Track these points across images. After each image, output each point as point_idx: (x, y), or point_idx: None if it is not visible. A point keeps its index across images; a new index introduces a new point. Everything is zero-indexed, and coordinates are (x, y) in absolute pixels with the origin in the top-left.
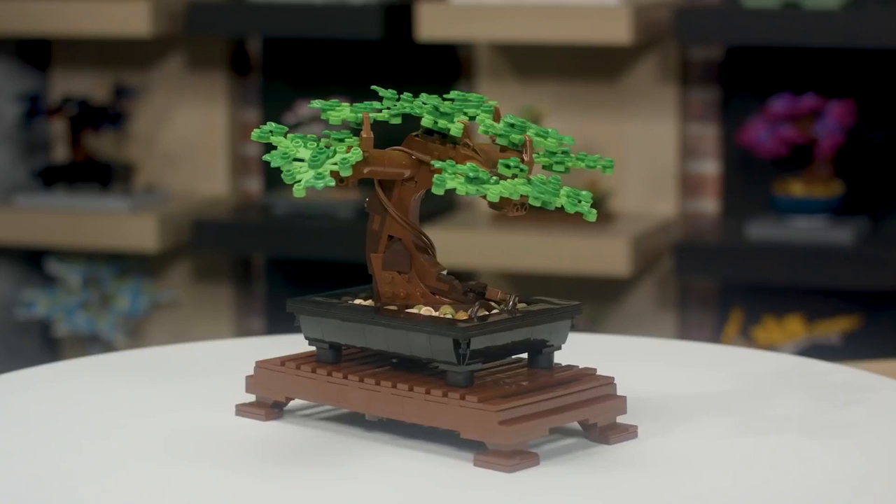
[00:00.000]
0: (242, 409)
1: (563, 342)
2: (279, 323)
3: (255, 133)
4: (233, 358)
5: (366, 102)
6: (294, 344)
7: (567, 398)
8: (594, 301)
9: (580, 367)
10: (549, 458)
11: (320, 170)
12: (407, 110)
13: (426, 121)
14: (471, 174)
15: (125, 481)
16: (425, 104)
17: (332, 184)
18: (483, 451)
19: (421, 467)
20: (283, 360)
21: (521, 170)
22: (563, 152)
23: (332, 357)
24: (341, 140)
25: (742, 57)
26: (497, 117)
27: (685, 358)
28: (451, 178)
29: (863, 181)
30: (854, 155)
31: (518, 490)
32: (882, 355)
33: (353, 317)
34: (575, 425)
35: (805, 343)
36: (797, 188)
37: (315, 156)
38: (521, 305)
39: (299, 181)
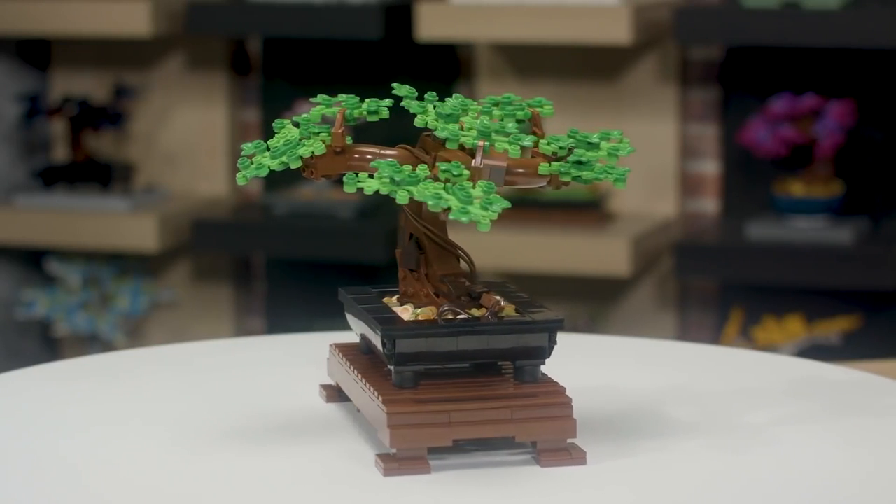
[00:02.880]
0: (321, 389)
1: (544, 356)
2: (279, 323)
3: (276, 123)
4: (232, 357)
5: (369, 100)
6: (294, 344)
7: (496, 413)
8: (594, 301)
9: (559, 383)
10: (454, 470)
11: (269, 161)
12: (413, 109)
13: (418, 120)
14: (385, 174)
15: (124, 480)
16: (426, 103)
17: (264, 174)
18: (383, 452)
19: (336, 459)
20: (338, 345)
21: (455, 175)
22: (585, 162)
23: (366, 348)
24: (317, 134)
25: (742, 57)
26: (536, 123)
27: (683, 360)
28: (378, 177)
29: (863, 181)
30: (854, 155)
31: (372, 494)
32: (882, 355)
33: (351, 311)
34: None
35: (805, 343)
36: (797, 188)
37: (278, 148)
38: (514, 315)
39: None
